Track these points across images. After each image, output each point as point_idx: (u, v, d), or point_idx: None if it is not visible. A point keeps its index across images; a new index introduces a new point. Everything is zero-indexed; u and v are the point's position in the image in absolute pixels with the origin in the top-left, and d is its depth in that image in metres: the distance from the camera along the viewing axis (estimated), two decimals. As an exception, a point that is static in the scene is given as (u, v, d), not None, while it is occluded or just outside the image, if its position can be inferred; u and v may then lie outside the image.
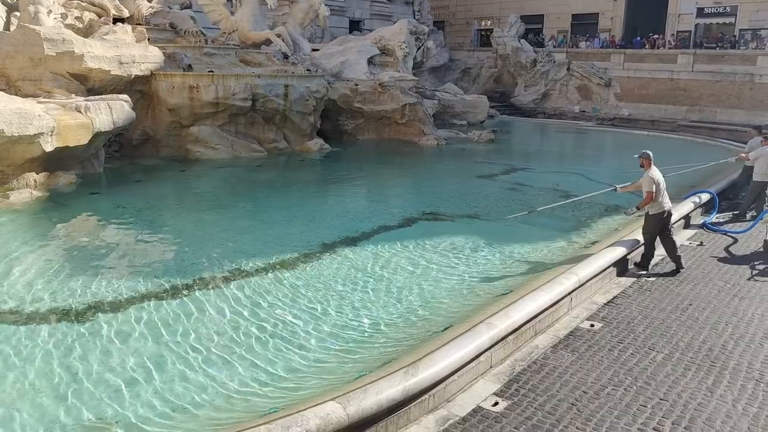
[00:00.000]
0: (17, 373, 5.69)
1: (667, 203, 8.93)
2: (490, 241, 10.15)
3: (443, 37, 40.78)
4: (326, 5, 25.26)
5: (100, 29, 17.82)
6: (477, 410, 5.33)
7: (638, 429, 5.02)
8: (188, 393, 5.47)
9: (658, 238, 9.10)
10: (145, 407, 5.23)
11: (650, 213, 8.99)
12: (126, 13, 20.54)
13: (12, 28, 16.74)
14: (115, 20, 19.68)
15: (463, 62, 38.74)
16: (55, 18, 17.38)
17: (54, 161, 12.84)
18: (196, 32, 21.43)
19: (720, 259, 9.71)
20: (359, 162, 18.70)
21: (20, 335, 6.41)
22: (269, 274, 8.43)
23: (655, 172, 8.82)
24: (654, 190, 8.69)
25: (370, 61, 23.77)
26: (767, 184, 11.89)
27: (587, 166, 18.48)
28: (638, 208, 9.14)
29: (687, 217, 11.64)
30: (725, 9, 32.67)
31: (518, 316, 6.48)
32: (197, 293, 7.68)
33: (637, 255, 9.30)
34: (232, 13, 23.50)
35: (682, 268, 8.95)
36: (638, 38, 33.78)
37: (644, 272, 9.01)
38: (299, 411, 4.48)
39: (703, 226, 11.52)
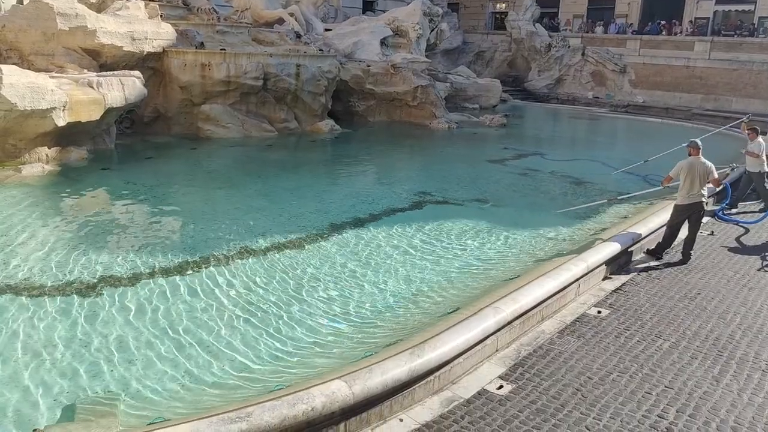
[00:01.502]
0: (27, 344, 5.76)
1: (695, 196, 8.71)
2: (498, 225, 10.13)
3: (457, 20, 40.31)
4: (340, -15, 25.09)
5: (113, 5, 17.74)
6: (481, 393, 5.36)
7: (642, 416, 5.03)
8: (196, 368, 5.53)
9: (682, 229, 8.98)
10: (154, 381, 5.29)
11: (676, 202, 8.95)
12: (139, -11, 20.45)
13: (25, 1, 16.73)
14: (128, -4, 19.60)
15: (476, 45, 38.38)
16: (69, -8, 17.34)
17: (66, 136, 12.89)
18: (209, 10, 21.35)
19: (730, 249, 9.65)
20: (369, 144, 18.65)
21: (31, 307, 6.49)
22: (278, 252, 8.47)
23: (689, 161, 8.71)
24: (675, 175, 8.79)
25: (383, 43, 23.62)
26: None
27: (603, 152, 18.34)
28: (662, 184, 9.53)
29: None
30: (745, -4, 32.13)
31: (525, 300, 6.48)
32: (206, 270, 7.73)
33: (650, 243, 9.24)
34: (246, -9, 23.38)
35: (687, 262, 8.87)
36: (654, 23, 33.27)
37: (654, 260, 8.95)
38: (305, 388, 4.52)
39: (714, 215, 11.45)
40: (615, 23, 35.44)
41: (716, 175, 8.86)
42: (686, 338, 6.48)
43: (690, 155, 8.85)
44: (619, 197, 11.15)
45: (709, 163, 8.75)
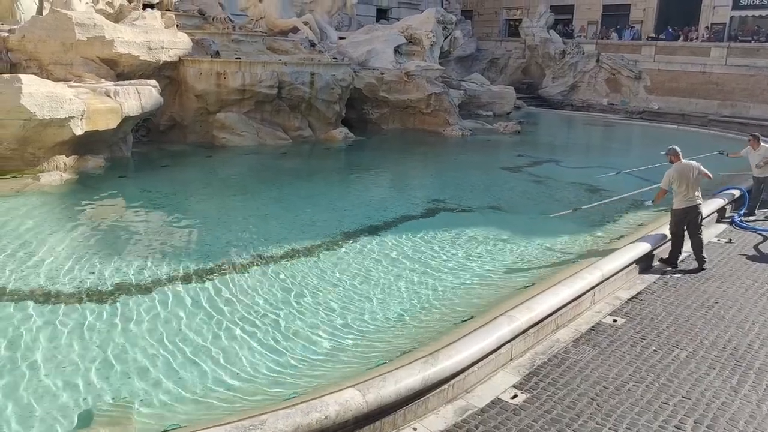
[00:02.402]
0: (44, 350, 5.82)
1: (691, 199, 8.71)
2: (513, 233, 10.09)
3: (471, 27, 40.36)
4: (354, -7, 25.22)
5: (130, 15, 17.99)
6: (496, 402, 5.32)
7: (659, 426, 4.97)
8: (210, 375, 5.55)
9: (686, 234, 8.95)
10: (167, 388, 5.32)
11: (673, 208, 8.88)
12: (155, -1, 20.75)
13: (45, 12, 17.00)
14: (145, 6, 19.87)
15: (490, 52, 38.37)
16: (87, 3, 17.63)
17: (83, 145, 13.05)
18: (225, 19, 21.55)
19: (748, 257, 9.52)
20: (383, 151, 18.68)
21: (48, 314, 6.56)
22: (292, 260, 8.50)
23: (677, 168, 8.69)
24: (666, 187, 8.78)
25: (397, 50, 23.69)
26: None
27: (618, 159, 18.22)
28: (653, 202, 9.48)
29: (721, 210, 11.58)
30: (762, 1, 31.80)
31: (540, 309, 6.44)
32: (221, 277, 7.77)
33: (664, 251, 9.17)
34: (260, 0, 23.57)
35: (704, 269, 8.78)
36: (669, 29, 33.05)
37: (670, 268, 8.88)
38: (319, 396, 4.52)
39: (732, 223, 11.33)
40: (630, 29, 35.28)
41: (705, 170, 8.86)
42: (704, 348, 6.40)
43: (672, 162, 8.83)
44: (583, 207, 10.87)
45: (694, 163, 8.80)
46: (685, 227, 8.86)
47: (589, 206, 10.92)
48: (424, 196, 12.89)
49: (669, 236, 9.05)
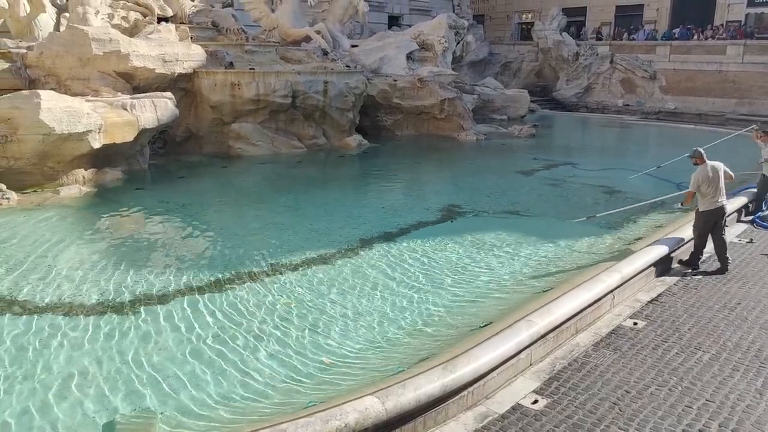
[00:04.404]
0: (65, 362, 5.89)
1: (718, 201, 8.59)
2: (530, 237, 10.04)
3: (483, 31, 40.36)
4: (365, 1, 25.30)
5: (145, 28, 18.24)
6: (516, 408, 5.29)
7: (683, 430, 4.90)
8: (230, 385, 5.58)
9: (709, 236, 8.83)
10: (188, 398, 5.35)
11: (699, 209, 8.77)
12: (170, 12, 20.98)
13: (62, 29, 17.28)
14: (160, 19, 20.11)
15: (503, 56, 38.31)
16: (103, 18, 17.88)
17: (101, 158, 13.22)
18: (238, 30, 21.75)
19: (771, 257, 9.39)
20: (398, 158, 18.69)
21: (69, 325, 6.63)
22: (308, 268, 8.52)
23: (703, 171, 8.57)
24: (695, 189, 8.62)
25: (409, 57, 23.71)
26: None
27: (635, 160, 18.06)
28: (682, 204, 9.29)
29: (740, 211, 11.43)
30: (778, -3, 31.47)
31: (559, 313, 6.39)
32: (239, 286, 7.81)
33: (684, 252, 9.06)
34: (273, 11, 23.77)
35: (726, 270, 8.66)
36: (683, 28, 32.73)
37: (690, 270, 8.77)
38: (338, 405, 4.52)
39: (753, 222, 11.17)
40: (644, 30, 35.04)
41: (730, 172, 8.77)
42: (727, 350, 6.31)
43: (697, 165, 8.71)
44: (597, 215, 10.73)
45: (718, 164, 8.68)
46: (710, 229, 8.75)
47: (610, 212, 10.80)
48: (439, 202, 12.86)
49: (692, 238, 8.94)
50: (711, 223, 8.72)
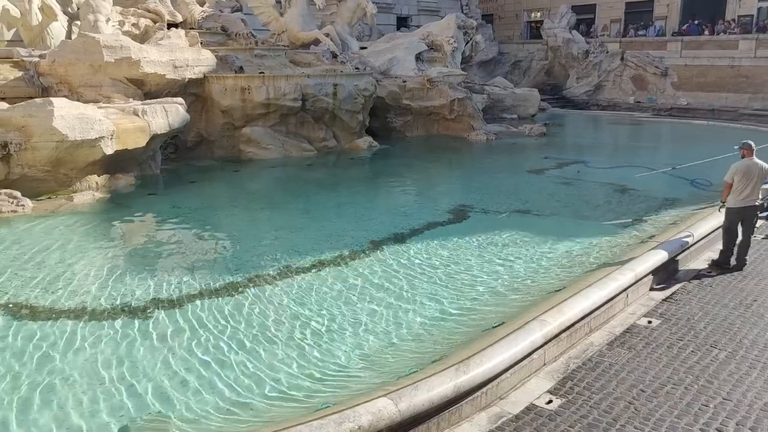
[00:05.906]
0: (81, 366, 5.93)
1: (750, 200, 8.39)
2: (542, 236, 9.99)
3: (492, 31, 40.24)
4: (373, 3, 25.34)
5: (156, 35, 18.35)
6: (530, 408, 5.26)
7: (700, 429, 4.85)
8: (243, 388, 5.59)
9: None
10: (202, 401, 5.37)
11: (728, 206, 8.60)
12: (179, 18, 21.12)
13: (73, 37, 17.43)
14: (170, 25, 20.24)
15: (512, 55, 38.19)
16: (113, 26, 18.04)
17: (114, 164, 13.32)
18: (247, 34, 21.83)
19: (787, 253, 9.28)
20: (408, 159, 18.68)
21: (83, 330, 6.68)
22: (321, 271, 8.53)
23: (745, 163, 8.37)
24: (731, 181, 8.40)
25: (418, 57, 23.71)
26: None
27: (648, 158, 17.93)
28: (722, 202, 8.74)
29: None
30: (791, -10, 31.10)
31: (572, 313, 6.36)
32: (252, 290, 7.83)
33: (692, 253, 8.94)
34: (281, 15, 23.83)
35: (742, 268, 8.53)
36: (693, 24, 32.44)
37: (707, 269, 8.62)
38: (351, 407, 4.52)
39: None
40: (654, 26, 34.78)
41: None
42: (743, 348, 6.24)
43: (743, 157, 8.48)
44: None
45: (762, 163, 8.43)
46: (738, 226, 8.57)
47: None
48: (451, 202, 12.85)
49: (707, 235, 8.81)
50: (737, 222, 8.55)
